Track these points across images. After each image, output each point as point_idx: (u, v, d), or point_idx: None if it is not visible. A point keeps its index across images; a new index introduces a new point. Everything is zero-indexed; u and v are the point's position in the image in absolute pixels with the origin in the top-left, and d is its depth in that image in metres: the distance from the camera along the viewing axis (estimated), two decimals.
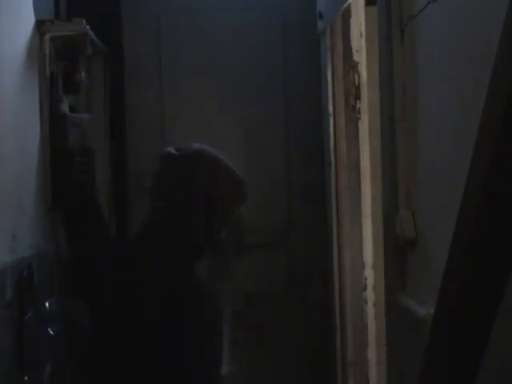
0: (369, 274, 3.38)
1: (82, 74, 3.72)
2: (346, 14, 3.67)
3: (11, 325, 2.70)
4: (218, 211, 2.44)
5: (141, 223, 2.66)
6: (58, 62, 3.59)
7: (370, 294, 3.25)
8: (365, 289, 3.37)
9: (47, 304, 3.03)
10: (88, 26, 3.56)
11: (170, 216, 2.45)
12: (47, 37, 3.36)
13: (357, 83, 3.59)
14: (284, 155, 4.77)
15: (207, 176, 2.41)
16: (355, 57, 3.61)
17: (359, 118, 3.64)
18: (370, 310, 3.23)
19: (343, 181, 3.88)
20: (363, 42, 3.47)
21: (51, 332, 2.93)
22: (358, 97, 3.60)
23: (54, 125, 3.44)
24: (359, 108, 3.61)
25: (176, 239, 2.43)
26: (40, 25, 3.35)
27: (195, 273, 2.48)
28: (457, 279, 1.31)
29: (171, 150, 2.57)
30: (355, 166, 3.73)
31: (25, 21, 3.25)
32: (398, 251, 2.28)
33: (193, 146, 2.53)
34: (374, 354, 3.23)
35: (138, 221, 4.29)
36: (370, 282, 3.24)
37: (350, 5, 3.50)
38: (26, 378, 2.71)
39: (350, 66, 3.67)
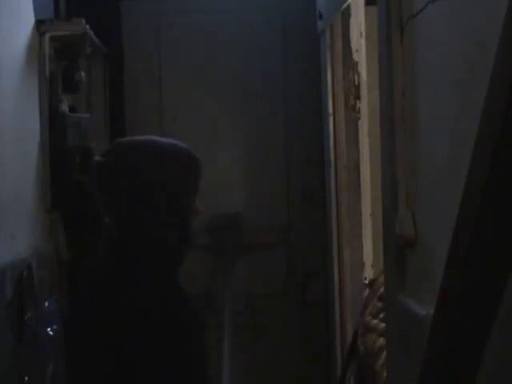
0: (368, 273, 3.38)
1: (82, 73, 3.72)
2: (346, 14, 3.67)
3: (11, 325, 2.70)
4: (178, 196, 2.13)
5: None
6: (57, 62, 3.59)
7: None
8: (364, 288, 3.37)
9: (47, 304, 3.03)
10: (88, 26, 3.56)
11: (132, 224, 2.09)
12: (47, 36, 3.37)
13: (356, 83, 3.59)
14: (284, 155, 4.77)
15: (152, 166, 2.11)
16: (355, 56, 3.61)
17: (359, 118, 3.64)
18: None
19: (343, 181, 3.88)
20: (363, 41, 3.47)
21: (51, 332, 2.93)
22: (357, 96, 3.60)
23: (54, 125, 3.44)
24: (359, 108, 3.61)
25: (149, 242, 2.08)
26: (40, 24, 3.36)
27: (177, 282, 2.19)
28: (457, 279, 1.31)
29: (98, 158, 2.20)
30: (355, 166, 3.73)
31: (24, 20, 3.25)
32: (398, 251, 2.27)
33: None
34: None
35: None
36: None
37: (349, 4, 3.50)
38: (26, 378, 2.71)
39: (350, 65, 3.68)
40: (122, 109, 4.70)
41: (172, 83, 4.75)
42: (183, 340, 2.05)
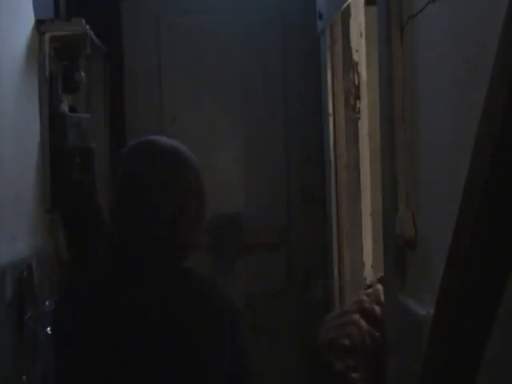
0: (368, 273, 3.38)
1: (82, 73, 3.72)
2: (346, 14, 3.67)
3: (11, 325, 2.70)
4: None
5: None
6: (57, 62, 3.59)
7: None
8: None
9: (47, 304, 3.03)
10: (88, 26, 3.56)
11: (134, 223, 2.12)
12: (47, 36, 3.37)
13: (356, 83, 3.59)
14: (284, 155, 4.77)
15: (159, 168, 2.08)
16: (355, 56, 3.61)
17: (359, 118, 3.64)
18: None
19: (343, 180, 3.88)
20: (363, 41, 3.47)
21: (51, 332, 2.93)
22: (357, 97, 3.60)
23: (54, 125, 3.45)
24: (359, 108, 3.61)
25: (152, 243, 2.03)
26: (39, 24, 3.36)
27: (176, 282, 2.17)
28: (457, 279, 1.31)
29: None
30: (355, 166, 3.73)
31: (24, 20, 3.25)
32: (398, 251, 2.27)
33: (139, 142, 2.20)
34: None
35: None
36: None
37: (349, 4, 3.50)
38: (24, 377, 2.71)
39: (350, 65, 3.67)
40: (121, 109, 4.70)
41: (172, 83, 4.74)
42: (183, 340, 2.05)
